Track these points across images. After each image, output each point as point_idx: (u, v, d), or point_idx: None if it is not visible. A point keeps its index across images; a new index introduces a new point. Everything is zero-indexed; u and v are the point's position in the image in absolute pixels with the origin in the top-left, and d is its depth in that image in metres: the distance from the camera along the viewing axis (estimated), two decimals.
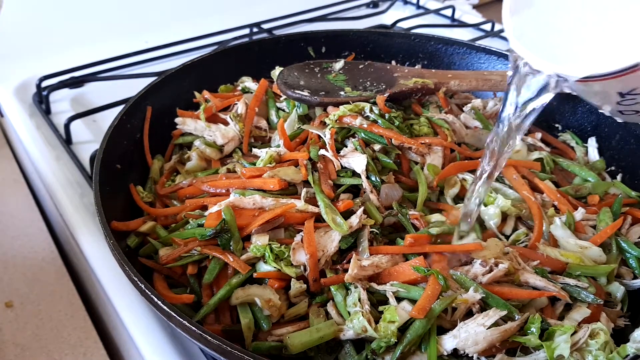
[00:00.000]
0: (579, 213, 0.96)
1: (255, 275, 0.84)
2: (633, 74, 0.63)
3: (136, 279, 0.75)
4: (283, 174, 0.95)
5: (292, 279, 0.84)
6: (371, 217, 0.91)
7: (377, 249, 0.87)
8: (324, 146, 0.99)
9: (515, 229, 0.96)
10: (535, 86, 0.71)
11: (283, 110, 1.19)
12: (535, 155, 1.11)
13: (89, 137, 1.34)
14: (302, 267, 0.85)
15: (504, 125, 0.78)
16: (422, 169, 1.00)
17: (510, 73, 0.74)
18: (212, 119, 1.16)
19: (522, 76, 0.72)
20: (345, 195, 0.95)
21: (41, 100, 1.44)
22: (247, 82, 1.27)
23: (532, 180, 1.02)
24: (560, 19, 0.67)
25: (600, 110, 0.76)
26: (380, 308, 0.80)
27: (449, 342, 0.77)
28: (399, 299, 0.81)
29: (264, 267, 0.85)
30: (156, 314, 0.87)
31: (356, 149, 0.99)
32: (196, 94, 1.24)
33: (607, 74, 0.64)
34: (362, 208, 0.90)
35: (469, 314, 0.80)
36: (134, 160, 1.10)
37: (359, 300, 0.80)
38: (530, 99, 0.73)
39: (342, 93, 1.14)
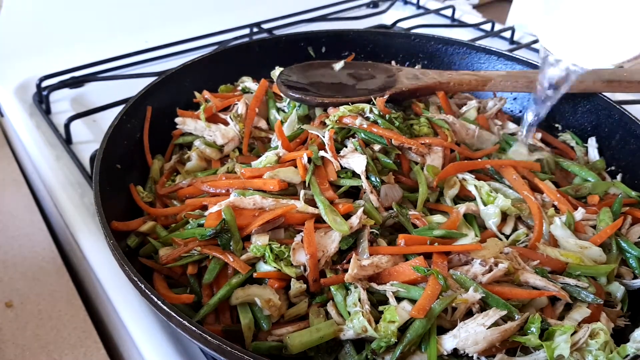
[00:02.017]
0: (579, 213, 0.96)
1: (255, 275, 0.84)
2: None
3: (136, 279, 0.75)
4: (283, 174, 0.95)
5: (292, 279, 0.84)
6: (371, 217, 0.91)
7: (377, 249, 0.87)
8: (323, 147, 0.99)
9: (515, 229, 0.96)
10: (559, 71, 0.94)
11: (283, 111, 1.19)
12: (536, 155, 1.11)
13: (89, 137, 1.34)
14: (302, 267, 0.85)
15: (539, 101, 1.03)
16: (422, 169, 1.00)
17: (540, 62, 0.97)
18: (212, 119, 1.16)
19: (549, 65, 0.94)
20: (343, 198, 0.96)
21: (41, 100, 1.44)
22: (247, 82, 1.27)
23: (532, 180, 1.02)
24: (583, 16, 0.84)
25: None
26: (380, 308, 0.80)
27: (449, 342, 0.77)
28: (399, 299, 0.81)
29: (264, 267, 0.85)
30: (156, 314, 0.87)
31: (356, 149, 0.99)
32: (196, 94, 1.24)
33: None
34: (362, 208, 0.90)
35: (469, 314, 0.80)
36: (134, 160, 1.10)
37: (359, 300, 0.80)
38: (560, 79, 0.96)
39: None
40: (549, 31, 0.90)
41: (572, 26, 0.86)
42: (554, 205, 0.99)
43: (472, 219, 0.96)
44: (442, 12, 2.02)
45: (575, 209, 0.97)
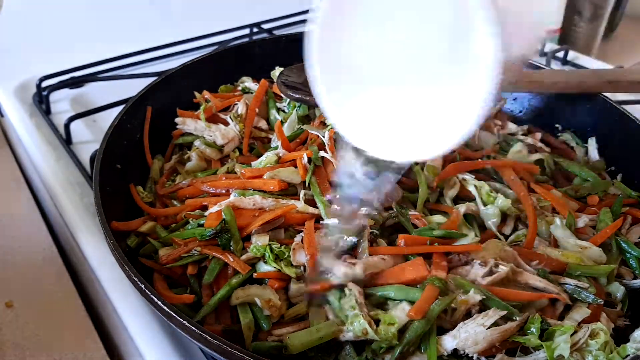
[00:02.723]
0: (582, 221, 0.95)
1: (255, 275, 0.84)
2: None
3: (136, 279, 0.75)
4: (283, 174, 0.95)
5: (292, 279, 0.84)
6: (371, 217, 0.91)
7: (376, 249, 0.87)
8: (323, 147, 0.99)
9: (515, 229, 0.96)
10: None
11: (283, 111, 1.19)
12: (537, 156, 1.11)
13: (89, 137, 1.34)
14: (302, 268, 0.85)
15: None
16: (422, 169, 1.00)
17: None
18: (212, 119, 1.16)
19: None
20: None
21: (41, 100, 1.44)
22: (247, 82, 1.27)
23: (529, 184, 1.02)
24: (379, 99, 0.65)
25: None
26: (379, 311, 0.80)
27: (448, 342, 0.77)
28: (398, 300, 0.81)
29: (264, 267, 0.85)
30: (156, 314, 0.87)
31: None
32: (196, 94, 1.24)
33: None
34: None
35: (469, 314, 0.80)
36: (134, 160, 1.09)
37: (356, 302, 0.79)
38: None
39: None
40: (340, 111, 0.69)
41: (362, 108, 0.67)
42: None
43: (472, 219, 0.96)
44: None
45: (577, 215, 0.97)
